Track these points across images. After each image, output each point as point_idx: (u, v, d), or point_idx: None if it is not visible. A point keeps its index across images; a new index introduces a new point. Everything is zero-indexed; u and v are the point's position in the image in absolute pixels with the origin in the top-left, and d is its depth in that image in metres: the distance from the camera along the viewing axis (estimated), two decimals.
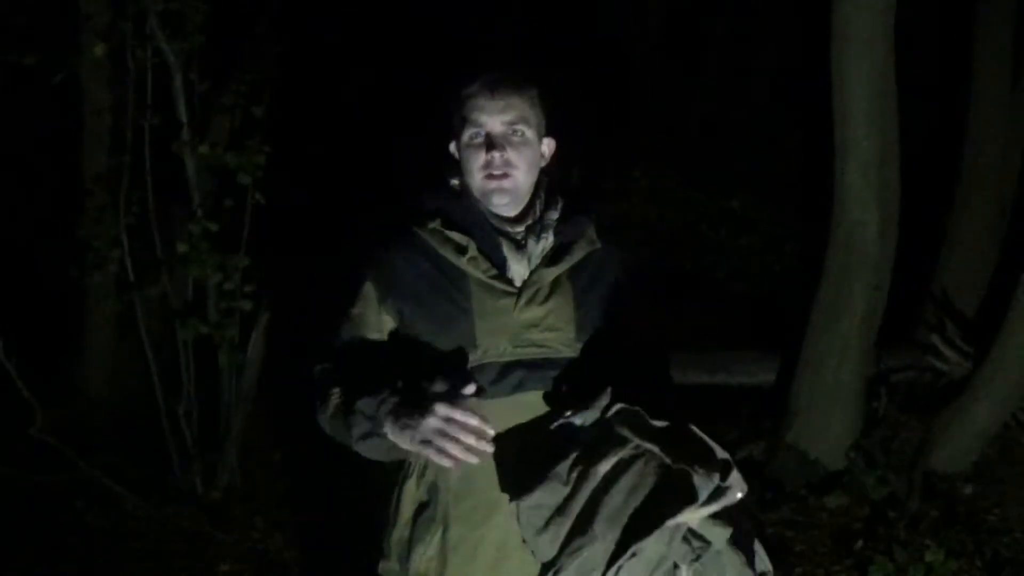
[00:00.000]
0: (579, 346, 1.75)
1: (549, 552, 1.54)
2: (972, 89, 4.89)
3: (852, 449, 4.05)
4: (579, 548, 1.50)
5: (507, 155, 1.75)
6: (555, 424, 1.61)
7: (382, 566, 1.82)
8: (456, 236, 1.77)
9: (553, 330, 1.75)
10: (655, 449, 1.52)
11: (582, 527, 1.51)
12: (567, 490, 1.54)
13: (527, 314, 1.74)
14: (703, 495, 1.46)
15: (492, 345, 1.73)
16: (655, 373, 1.87)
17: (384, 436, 1.61)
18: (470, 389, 1.61)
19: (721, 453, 1.52)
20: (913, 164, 4.04)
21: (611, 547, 1.47)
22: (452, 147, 1.84)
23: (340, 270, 1.89)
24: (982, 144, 4.89)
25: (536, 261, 1.78)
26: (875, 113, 3.75)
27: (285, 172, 4.00)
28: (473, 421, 1.55)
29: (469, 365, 1.73)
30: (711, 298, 6.32)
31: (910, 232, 4.12)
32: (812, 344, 4.06)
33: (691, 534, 1.50)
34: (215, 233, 3.64)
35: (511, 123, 1.76)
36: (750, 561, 1.53)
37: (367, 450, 1.67)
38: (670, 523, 1.46)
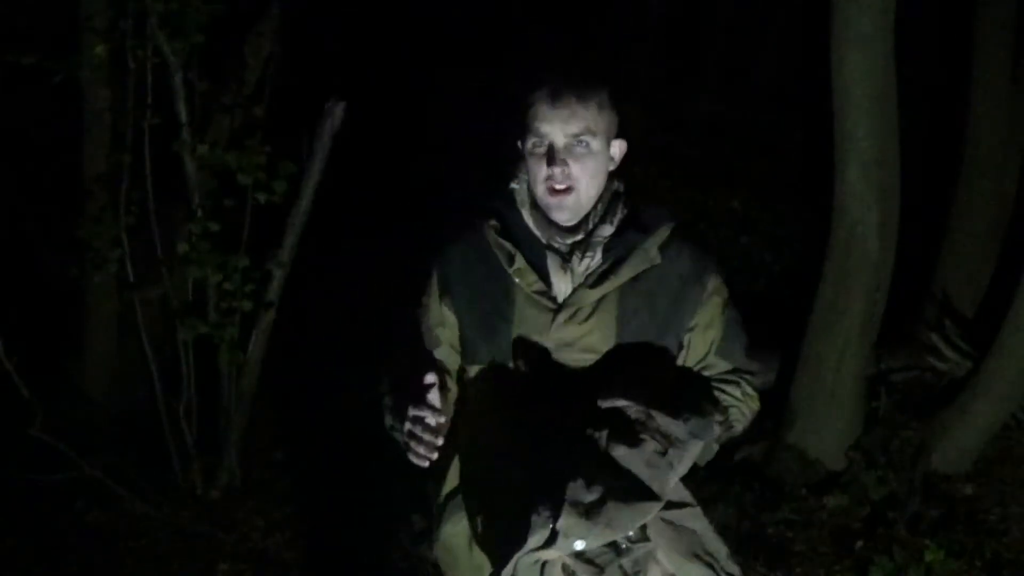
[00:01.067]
0: (616, 366, 1.72)
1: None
2: (972, 89, 4.89)
3: (852, 449, 4.05)
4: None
5: (569, 169, 1.70)
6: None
7: (417, 520, 1.92)
8: (506, 244, 1.76)
9: (590, 351, 1.72)
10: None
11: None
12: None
13: (563, 333, 1.72)
14: (530, 542, 1.48)
15: (526, 358, 1.72)
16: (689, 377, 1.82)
17: (401, 433, 1.66)
18: (429, 379, 1.60)
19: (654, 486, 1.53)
20: (913, 164, 4.04)
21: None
22: (520, 144, 1.80)
23: (340, 268, 1.90)
24: (982, 143, 4.89)
25: (580, 280, 1.74)
26: (875, 113, 3.75)
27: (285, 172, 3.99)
28: (426, 415, 1.57)
29: (503, 375, 1.74)
30: None
31: (910, 232, 4.12)
32: (812, 344, 4.06)
33: (569, 570, 1.55)
34: (215, 233, 3.63)
35: (575, 135, 1.71)
36: None
37: (399, 442, 1.71)
38: (509, 566, 1.51)
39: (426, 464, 1.60)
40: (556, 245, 1.76)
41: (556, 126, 1.70)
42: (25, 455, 3.67)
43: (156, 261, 3.76)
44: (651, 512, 1.54)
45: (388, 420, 1.74)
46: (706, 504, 3.86)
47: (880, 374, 4.44)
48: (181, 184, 3.71)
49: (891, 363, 4.59)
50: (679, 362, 1.82)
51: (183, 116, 3.62)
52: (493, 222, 1.79)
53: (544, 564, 1.53)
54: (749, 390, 1.87)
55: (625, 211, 1.80)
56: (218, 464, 3.92)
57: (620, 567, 1.54)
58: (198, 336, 3.73)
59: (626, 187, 1.84)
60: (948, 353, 4.64)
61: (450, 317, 1.81)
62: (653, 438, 1.58)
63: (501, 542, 1.53)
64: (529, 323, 1.73)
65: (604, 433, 1.57)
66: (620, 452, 1.55)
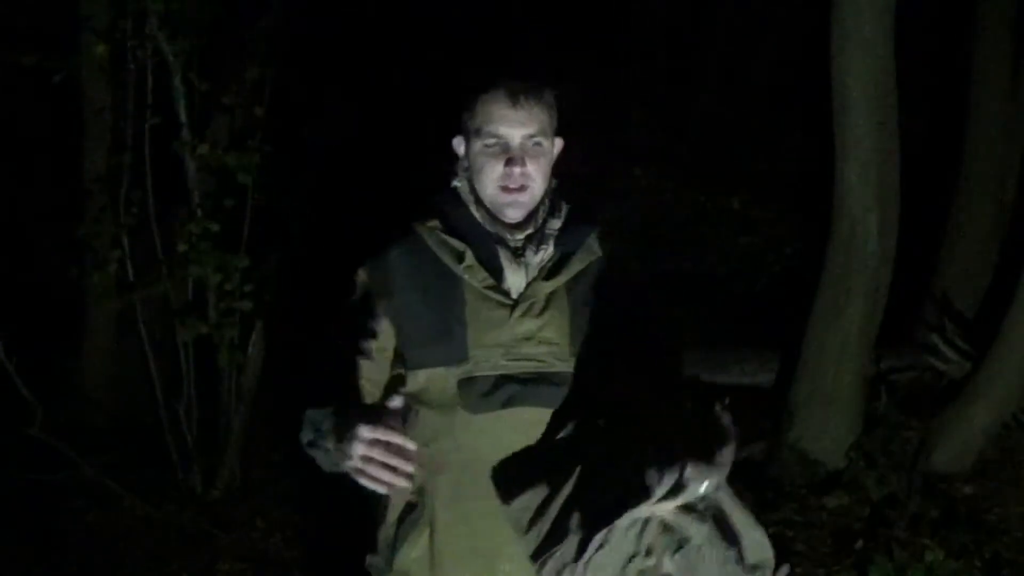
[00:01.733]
0: (573, 360, 1.71)
1: (529, 551, 1.56)
2: (972, 89, 4.89)
3: (852, 449, 4.05)
4: (555, 545, 1.51)
5: (526, 169, 1.71)
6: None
7: (369, 559, 1.82)
8: (454, 242, 1.74)
9: (547, 343, 1.71)
10: (632, 445, 1.52)
11: (558, 525, 1.52)
12: (547, 491, 1.56)
13: (521, 327, 1.70)
14: (657, 492, 1.45)
15: (484, 357, 1.69)
16: (658, 372, 1.81)
17: (330, 451, 1.56)
18: (395, 402, 1.55)
19: (723, 442, 1.51)
20: (913, 164, 4.04)
21: (579, 546, 1.48)
22: (459, 146, 1.79)
23: (341, 268, 1.87)
24: (982, 144, 4.89)
25: (534, 273, 1.74)
26: (875, 113, 3.76)
27: (286, 171, 4.00)
28: (396, 439, 1.49)
29: (459, 376, 1.70)
30: (711, 298, 6.32)
31: (910, 232, 4.12)
32: (812, 344, 4.06)
33: (667, 526, 1.50)
34: (215, 233, 3.63)
35: (531, 136, 1.71)
36: (740, 554, 1.53)
37: (318, 460, 1.62)
38: (625, 518, 1.46)
39: (385, 490, 1.51)
40: (507, 239, 1.76)
41: (515, 128, 1.70)
42: (25, 455, 3.67)
43: (156, 261, 3.76)
44: (734, 453, 1.54)
45: (312, 435, 1.60)
46: None
47: (880, 374, 4.44)
48: (181, 184, 3.72)
49: (891, 363, 4.59)
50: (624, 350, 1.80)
51: (183, 116, 3.62)
52: (433, 223, 1.77)
53: (644, 525, 1.50)
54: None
55: (568, 206, 1.82)
56: (218, 464, 3.92)
57: (709, 514, 1.53)
58: (198, 336, 3.73)
59: (559, 182, 1.84)
60: (948, 353, 4.64)
61: (385, 325, 1.75)
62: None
63: (588, 511, 1.49)
64: (483, 320, 1.70)
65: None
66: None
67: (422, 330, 1.72)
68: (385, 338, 1.75)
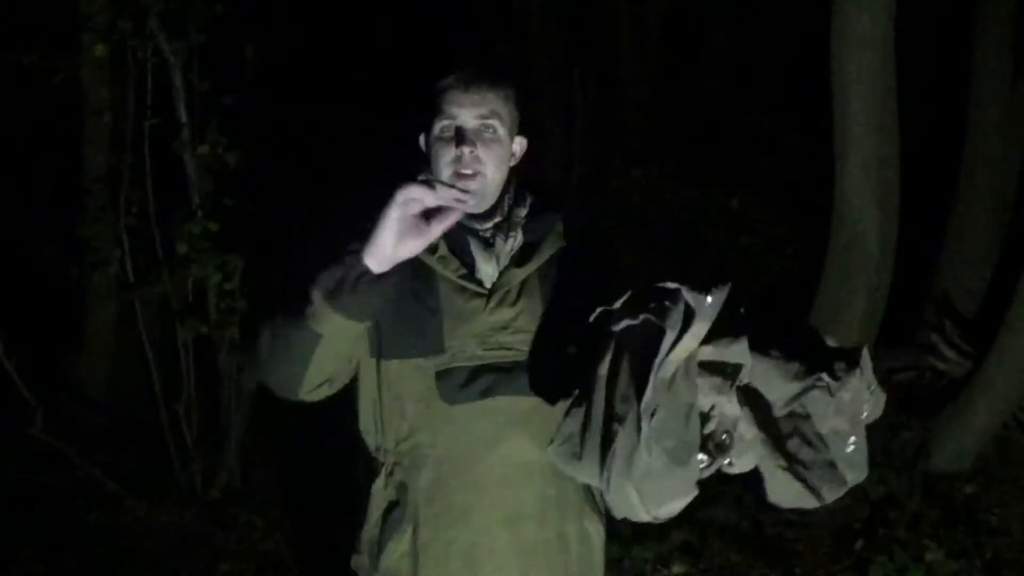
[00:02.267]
0: (548, 347, 1.71)
1: (595, 471, 1.48)
2: (972, 89, 4.89)
3: None
4: (612, 445, 1.45)
5: (476, 151, 1.70)
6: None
7: (354, 560, 1.82)
8: None
9: (522, 332, 1.71)
10: (648, 317, 1.46)
11: (608, 428, 1.47)
12: (583, 409, 1.51)
13: (496, 316, 1.71)
14: (670, 323, 1.41)
15: (460, 348, 1.69)
16: None
17: (358, 282, 1.55)
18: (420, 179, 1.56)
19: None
20: (913, 164, 4.04)
21: (635, 425, 1.43)
22: (421, 140, 1.80)
23: (315, 258, 1.84)
24: (982, 144, 4.89)
25: (505, 261, 1.74)
26: (875, 113, 3.76)
27: (285, 172, 4.00)
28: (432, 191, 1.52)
29: (436, 368, 1.69)
30: None
31: (910, 232, 4.12)
32: None
33: (709, 367, 1.46)
34: (215, 233, 3.63)
35: (483, 117, 1.71)
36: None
37: (331, 334, 1.59)
38: (659, 372, 1.41)
39: (470, 203, 1.59)
40: (476, 230, 1.75)
41: (466, 109, 1.70)
42: (25, 455, 3.67)
43: (156, 261, 3.76)
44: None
45: (340, 273, 1.56)
46: (706, 504, 3.88)
47: (880, 374, 4.43)
48: (181, 184, 3.72)
49: (891, 363, 4.59)
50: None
51: (183, 116, 3.62)
52: None
53: (676, 374, 1.45)
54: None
55: (532, 197, 1.82)
56: (218, 464, 3.92)
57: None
58: (198, 336, 3.73)
59: (526, 184, 1.85)
60: (948, 353, 4.64)
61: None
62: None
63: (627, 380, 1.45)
64: (458, 310, 1.70)
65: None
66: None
67: (397, 321, 1.71)
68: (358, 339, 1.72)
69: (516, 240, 1.76)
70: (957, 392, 4.14)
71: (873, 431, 1.72)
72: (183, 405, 3.80)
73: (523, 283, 1.74)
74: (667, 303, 1.43)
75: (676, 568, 3.40)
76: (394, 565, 1.74)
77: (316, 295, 1.58)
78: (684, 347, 1.44)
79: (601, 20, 9.50)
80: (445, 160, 1.71)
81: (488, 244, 1.75)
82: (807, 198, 5.44)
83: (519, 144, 1.81)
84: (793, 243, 6.94)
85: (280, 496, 3.98)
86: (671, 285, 1.46)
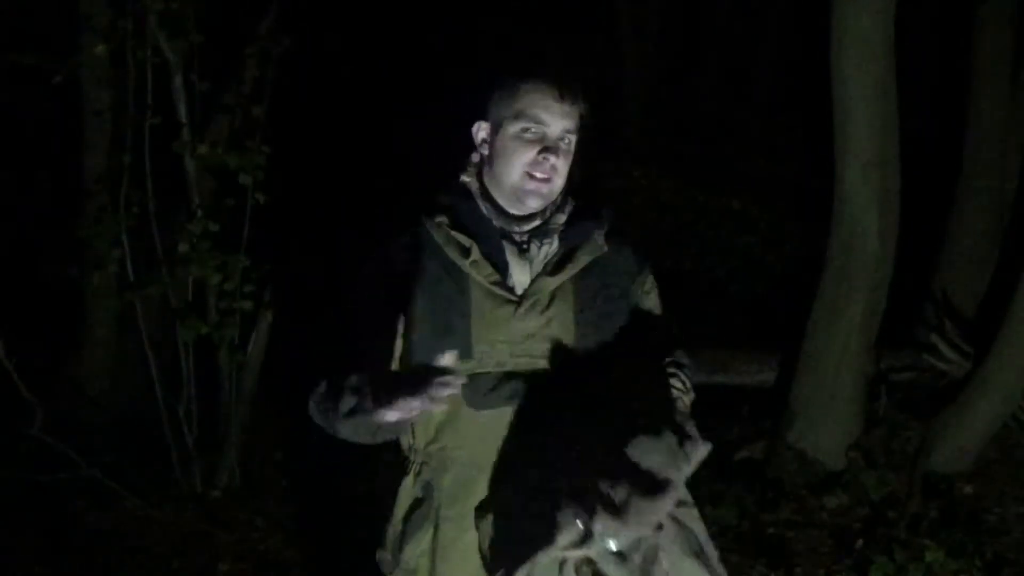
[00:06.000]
0: (579, 356, 1.71)
1: None
2: (972, 89, 4.89)
3: (852, 449, 4.05)
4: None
5: (557, 161, 1.72)
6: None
7: (379, 554, 1.83)
8: (461, 237, 1.73)
9: (552, 340, 1.71)
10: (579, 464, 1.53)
11: (495, 554, 1.57)
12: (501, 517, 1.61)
13: (526, 323, 1.70)
14: (560, 541, 1.46)
15: (488, 354, 1.69)
16: (654, 371, 1.81)
17: (370, 412, 1.53)
18: (448, 359, 1.51)
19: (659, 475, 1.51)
20: (913, 164, 4.04)
21: None
22: (479, 132, 1.78)
23: (344, 263, 1.86)
24: (982, 144, 4.89)
25: (538, 268, 1.74)
26: (875, 113, 3.75)
27: (285, 172, 4.00)
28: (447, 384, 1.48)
29: (464, 372, 1.65)
30: (711, 298, 6.33)
31: (910, 232, 4.12)
32: (812, 344, 4.06)
33: (591, 563, 1.51)
34: (215, 233, 3.63)
35: (568, 131, 1.73)
36: None
37: (353, 430, 1.61)
38: (542, 555, 1.47)
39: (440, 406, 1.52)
40: (513, 234, 1.75)
41: (556, 119, 1.71)
42: (25, 455, 3.67)
43: (156, 261, 3.76)
44: (669, 506, 1.54)
45: (353, 402, 1.56)
46: (706, 504, 3.88)
47: (880, 374, 4.44)
48: (181, 184, 3.72)
49: (891, 363, 4.59)
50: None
51: (183, 116, 3.62)
52: (441, 218, 1.75)
53: (562, 563, 1.52)
54: (688, 384, 1.86)
55: (574, 202, 1.82)
56: (218, 464, 3.92)
57: (637, 557, 1.53)
58: (198, 336, 3.73)
59: (572, 184, 1.84)
60: (948, 353, 4.64)
61: (392, 319, 1.74)
62: (673, 430, 1.58)
63: (520, 542, 1.52)
64: (488, 316, 1.69)
65: (621, 423, 1.56)
66: (643, 441, 1.54)
67: (426, 325, 1.71)
68: (390, 332, 1.74)
69: (552, 247, 1.76)
70: (957, 392, 4.14)
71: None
72: (183, 405, 3.80)
73: (555, 290, 1.73)
74: (579, 514, 1.47)
75: None
76: (414, 562, 1.75)
77: (342, 409, 1.59)
78: (570, 553, 1.49)
79: (601, 20, 9.50)
80: (522, 160, 1.72)
81: (523, 250, 1.74)
82: (807, 199, 5.44)
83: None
84: (793, 243, 6.94)
85: (280, 496, 3.98)
86: (603, 497, 1.48)
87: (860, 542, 3.60)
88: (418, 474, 1.76)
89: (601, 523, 1.46)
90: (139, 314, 3.82)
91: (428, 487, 1.74)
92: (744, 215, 7.66)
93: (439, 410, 1.59)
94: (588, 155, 1.83)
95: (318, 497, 3.92)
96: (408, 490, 1.77)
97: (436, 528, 1.73)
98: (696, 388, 1.87)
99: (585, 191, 1.87)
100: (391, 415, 1.50)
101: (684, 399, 1.83)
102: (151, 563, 3.56)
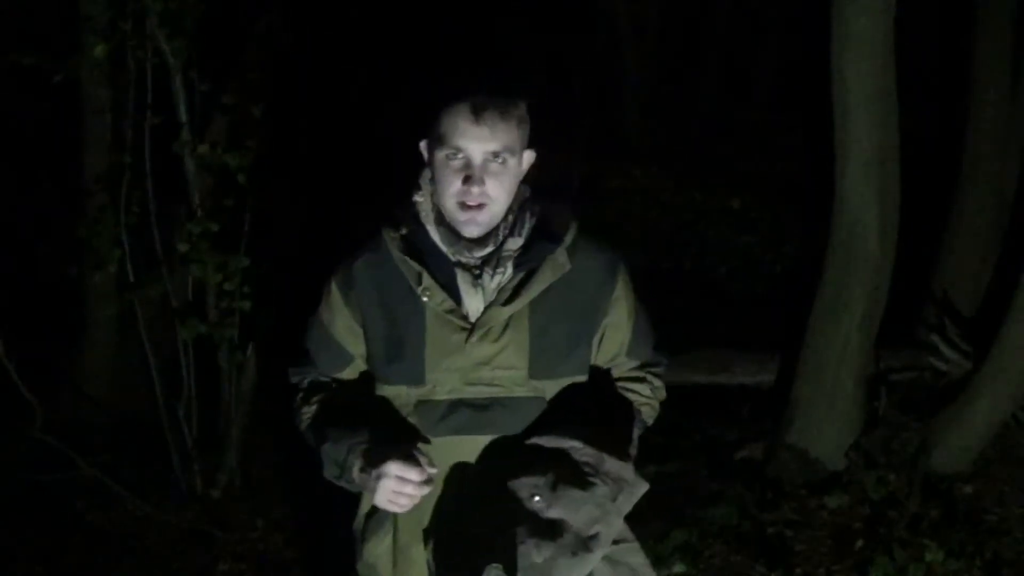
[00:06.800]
0: (533, 383, 1.69)
1: None
2: (972, 89, 4.89)
3: (852, 449, 4.05)
4: None
5: (485, 188, 1.64)
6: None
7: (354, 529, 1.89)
8: (412, 263, 1.69)
9: (505, 368, 1.68)
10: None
11: None
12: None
13: (478, 351, 1.67)
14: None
15: (441, 381, 1.68)
16: (609, 393, 1.81)
17: (352, 482, 1.67)
18: (431, 471, 1.61)
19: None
20: (913, 164, 4.04)
21: None
22: (425, 150, 1.73)
23: (319, 273, 1.87)
24: (982, 144, 4.89)
25: (491, 297, 1.68)
26: (875, 113, 3.75)
27: (285, 172, 4.00)
28: (424, 477, 1.60)
29: (416, 399, 1.69)
30: (711, 298, 6.33)
31: (910, 232, 4.12)
32: (812, 344, 4.06)
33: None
34: (215, 233, 3.63)
35: (494, 153, 1.64)
36: None
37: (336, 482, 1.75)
38: None
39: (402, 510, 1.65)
40: (465, 260, 1.69)
41: (475, 144, 1.63)
42: (25, 455, 3.67)
43: (156, 261, 3.76)
44: (596, 561, 1.55)
45: (336, 472, 1.70)
46: (706, 504, 3.88)
47: (880, 374, 4.43)
48: (181, 184, 3.71)
49: (891, 363, 4.58)
50: (591, 362, 1.79)
51: (183, 116, 3.62)
52: (396, 235, 1.72)
53: None
54: (657, 383, 1.86)
55: (533, 220, 1.73)
56: (218, 464, 3.92)
57: None
58: (198, 336, 3.73)
59: (532, 190, 1.77)
60: (948, 353, 4.64)
61: (359, 331, 1.75)
62: (604, 482, 1.58)
63: None
64: (441, 343, 1.67)
65: (549, 479, 1.56)
66: (575, 497, 1.55)
67: (384, 347, 1.72)
68: (361, 344, 1.78)
69: (504, 275, 1.69)
70: (957, 392, 4.14)
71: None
72: (183, 405, 3.80)
73: (509, 319, 1.68)
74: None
75: (676, 568, 3.40)
76: (373, 559, 1.79)
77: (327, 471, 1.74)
78: None
79: (601, 20, 9.50)
80: (451, 191, 1.66)
81: (476, 277, 1.69)
82: (807, 198, 5.44)
83: (527, 158, 1.74)
84: (793, 243, 6.94)
85: (280, 496, 3.98)
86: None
87: (860, 542, 3.60)
88: None
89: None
90: (139, 314, 3.83)
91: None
92: (744, 215, 7.66)
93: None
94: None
95: (318, 497, 3.91)
96: (367, 496, 1.78)
97: (395, 533, 1.76)
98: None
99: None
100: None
101: (650, 405, 1.84)
102: (151, 563, 3.56)
